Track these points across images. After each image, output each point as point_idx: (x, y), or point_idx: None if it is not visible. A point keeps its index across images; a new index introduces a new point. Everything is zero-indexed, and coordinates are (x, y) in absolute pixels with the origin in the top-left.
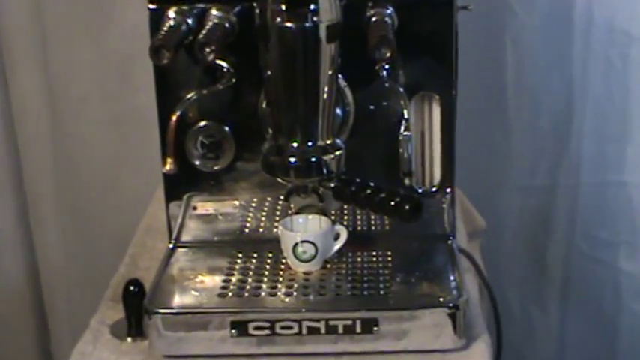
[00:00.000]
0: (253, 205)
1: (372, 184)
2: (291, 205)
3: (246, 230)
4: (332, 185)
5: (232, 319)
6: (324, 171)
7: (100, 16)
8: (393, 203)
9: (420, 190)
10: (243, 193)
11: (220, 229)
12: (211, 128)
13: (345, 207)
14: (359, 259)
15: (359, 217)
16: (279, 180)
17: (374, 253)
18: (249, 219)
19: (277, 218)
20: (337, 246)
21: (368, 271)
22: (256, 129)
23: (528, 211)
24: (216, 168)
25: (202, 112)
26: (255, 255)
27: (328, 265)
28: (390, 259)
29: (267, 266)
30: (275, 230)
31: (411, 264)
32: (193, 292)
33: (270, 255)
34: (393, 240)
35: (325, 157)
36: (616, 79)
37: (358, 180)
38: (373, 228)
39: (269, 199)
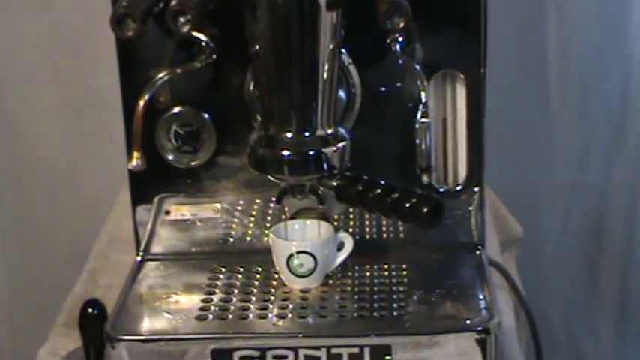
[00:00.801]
0: (239, 208)
1: (382, 183)
2: (285, 209)
3: (231, 239)
4: (334, 184)
5: (214, 346)
6: (325, 166)
7: None
8: (408, 205)
9: (441, 190)
10: (226, 194)
11: (199, 237)
12: (187, 115)
13: (351, 210)
14: (367, 274)
15: (367, 222)
16: (271, 178)
17: (385, 266)
18: (233, 225)
19: (268, 224)
20: (341, 257)
21: (378, 287)
22: (242, 116)
23: (575, 215)
24: (193, 164)
25: (176, 95)
26: (241, 269)
27: (330, 281)
28: (405, 273)
29: (256, 282)
30: (265, 239)
31: (430, 279)
32: (166, 315)
33: (260, 269)
34: (409, 250)
35: (326, 150)
36: None
37: (366, 177)
38: (384, 236)
39: (258, 201)
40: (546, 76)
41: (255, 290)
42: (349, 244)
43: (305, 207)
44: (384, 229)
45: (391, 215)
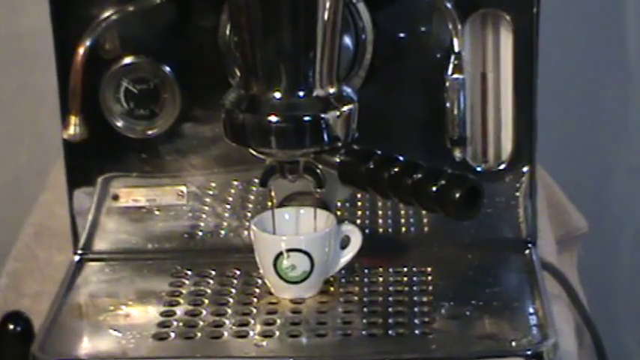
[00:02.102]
0: (210, 192)
1: (401, 159)
2: (272, 193)
3: (200, 233)
4: (337, 160)
5: None
6: (325, 137)
7: None
8: (435, 189)
9: (479, 169)
10: (194, 173)
11: (157, 231)
12: (143, 68)
13: (359, 195)
14: (380, 279)
15: (380, 211)
16: (253, 152)
17: (404, 269)
18: (203, 215)
19: (249, 214)
20: (345, 258)
21: (395, 297)
22: (215, 70)
23: None
24: (150, 132)
25: (128, 42)
26: (213, 273)
27: (331, 289)
28: (430, 279)
29: (233, 290)
30: (246, 233)
31: (464, 287)
32: (113, 333)
33: (238, 272)
34: (436, 249)
35: (326, 115)
36: None
37: (379, 152)
38: (403, 229)
39: (236, 182)
40: (621, 23)
41: (231, 300)
42: (356, 240)
43: (298, 191)
44: (403, 220)
45: (413, 202)
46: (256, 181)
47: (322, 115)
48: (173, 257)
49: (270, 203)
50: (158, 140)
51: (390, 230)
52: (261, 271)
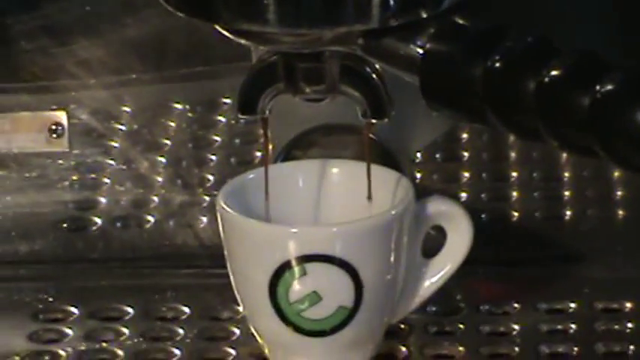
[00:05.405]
0: (123, 127)
1: (564, 51)
2: (268, 130)
3: (97, 220)
4: (419, 51)
5: None
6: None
7: None
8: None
9: None
10: (86, 82)
11: (3, 214)
12: None
13: (466, 134)
14: (515, 327)
15: (515, 172)
16: (224, 32)
17: (571, 305)
18: (106, 179)
19: (211, 176)
20: (436, 278)
21: None
22: None
23: None
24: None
25: None
26: (129, 311)
27: (402, 350)
28: (634, 327)
29: (177, 352)
30: (205, 220)
31: None
32: None
33: (187, 310)
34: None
35: None
36: None
37: (515, 33)
38: (567, 215)
39: (179, 105)
40: None
41: None
42: (461, 239)
43: (327, 123)
44: (568, 192)
45: (592, 147)
46: (228, 101)
47: None
48: (39, 276)
49: (262, 152)
50: (8, 7)
51: (536, 215)
52: (240, 308)
